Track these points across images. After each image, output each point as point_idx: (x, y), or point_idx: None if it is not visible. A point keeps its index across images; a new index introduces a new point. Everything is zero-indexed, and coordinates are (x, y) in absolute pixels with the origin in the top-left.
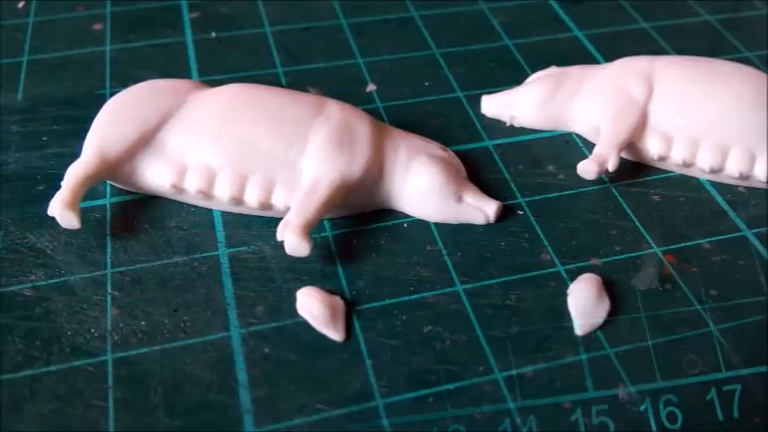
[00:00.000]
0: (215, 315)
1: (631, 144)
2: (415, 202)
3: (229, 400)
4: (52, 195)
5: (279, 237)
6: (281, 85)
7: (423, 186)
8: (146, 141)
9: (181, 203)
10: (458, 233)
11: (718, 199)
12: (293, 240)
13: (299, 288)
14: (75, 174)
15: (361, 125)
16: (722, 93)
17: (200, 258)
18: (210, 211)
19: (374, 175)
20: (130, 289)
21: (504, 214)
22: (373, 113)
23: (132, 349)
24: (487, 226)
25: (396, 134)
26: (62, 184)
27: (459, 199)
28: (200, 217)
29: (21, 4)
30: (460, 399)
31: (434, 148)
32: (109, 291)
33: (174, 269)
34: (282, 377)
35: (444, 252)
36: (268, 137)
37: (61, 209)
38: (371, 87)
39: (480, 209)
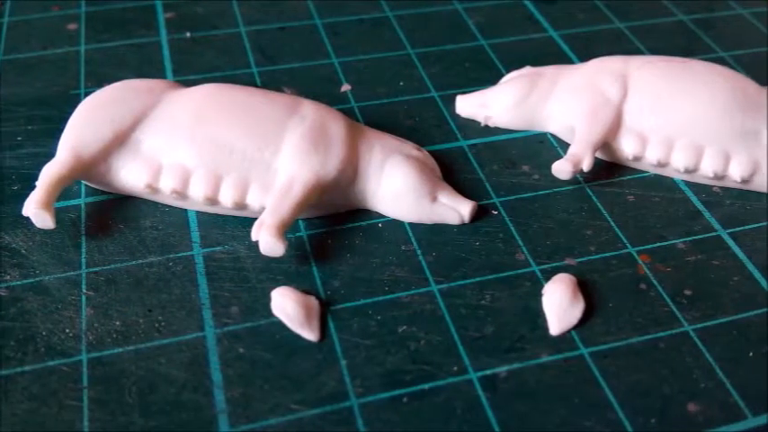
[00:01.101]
0: (190, 315)
1: (606, 144)
2: (390, 202)
3: (204, 399)
4: (27, 195)
5: (253, 237)
6: (255, 85)
7: (397, 186)
8: (120, 141)
9: (155, 203)
10: (432, 233)
11: (693, 199)
12: (268, 240)
13: (274, 288)
14: (49, 174)
15: (336, 125)
16: (697, 93)
17: (175, 258)
18: (185, 211)
19: (349, 176)
20: (105, 289)
21: (479, 214)
22: (348, 113)
23: (107, 349)
24: (462, 226)
25: (370, 134)
26: (37, 184)
27: (434, 199)
28: (174, 217)
29: None
30: (435, 399)
31: (409, 147)
32: (83, 291)
33: (148, 269)
34: (257, 377)
35: (419, 252)
36: (243, 137)
37: (36, 209)
38: (346, 87)
39: (455, 209)
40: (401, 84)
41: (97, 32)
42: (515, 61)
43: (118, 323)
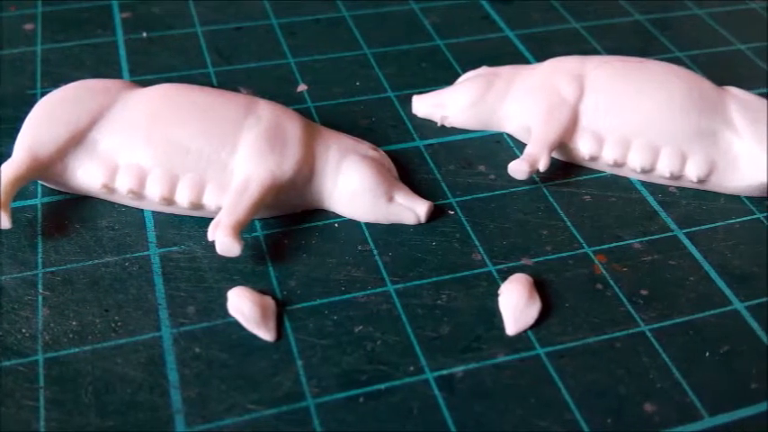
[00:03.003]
0: (146, 315)
1: (562, 144)
2: (346, 203)
3: (160, 399)
4: None
5: (210, 237)
6: (212, 85)
7: (353, 186)
8: (77, 141)
9: (112, 203)
10: (389, 233)
11: (649, 199)
12: (224, 241)
13: (231, 288)
14: (5, 174)
15: (292, 125)
16: (653, 93)
17: (132, 258)
18: (142, 211)
19: (305, 175)
20: (61, 289)
21: (436, 214)
22: (304, 113)
23: (63, 349)
24: (419, 226)
25: (327, 134)
26: None
27: (390, 199)
28: (131, 217)
29: None
30: (391, 399)
31: (365, 147)
32: (40, 291)
33: (105, 269)
34: (213, 377)
35: (375, 252)
36: (199, 137)
37: None
38: (302, 87)
39: (411, 209)
40: (357, 84)
41: (53, 32)
42: (472, 61)
43: (74, 323)
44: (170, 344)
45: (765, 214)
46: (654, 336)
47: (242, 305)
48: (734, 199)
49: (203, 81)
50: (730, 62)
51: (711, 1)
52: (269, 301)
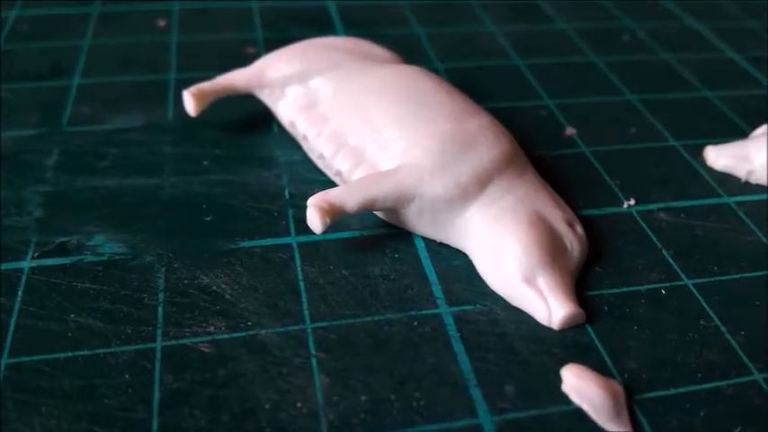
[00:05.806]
0: (455, 393)
1: None
2: (479, 257)
3: None
4: (222, 228)
5: (309, 201)
6: None
7: (493, 246)
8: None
9: (383, 250)
10: (737, 304)
11: None
12: (311, 214)
13: (552, 363)
14: (230, 75)
15: (491, 148)
16: None
17: (419, 317)
18: (419, 259)
19: (451, 204)
20: (339, 351)
21: None
22: (578, 159)
23: None
24: None
25: (520, 180)
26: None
27: (529, 280)
28: (407, 266)
29: None
30: None
31: (560, 216)
32: (312, 352)
33: (388, 328)
34: None
35: (724, 329)
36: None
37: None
38: (571, 131)
39: (546, 303)
40: (633, 130)
41: None
42: (747, 115)
43: (363, 398)
44: None
45: None
46: None
47: (588, 390)
48: None
49: None
50: None
51: None
52: (616, 386)
